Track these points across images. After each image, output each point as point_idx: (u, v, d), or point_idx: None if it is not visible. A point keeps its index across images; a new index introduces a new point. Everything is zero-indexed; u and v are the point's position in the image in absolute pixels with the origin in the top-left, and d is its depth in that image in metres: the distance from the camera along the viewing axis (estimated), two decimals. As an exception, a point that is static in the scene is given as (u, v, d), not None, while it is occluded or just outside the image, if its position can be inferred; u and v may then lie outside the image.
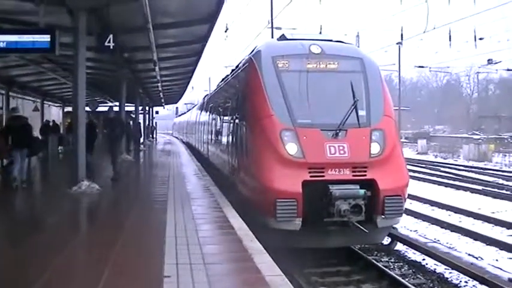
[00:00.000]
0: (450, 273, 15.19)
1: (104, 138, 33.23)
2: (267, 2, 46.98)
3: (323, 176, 14.27)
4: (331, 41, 17.84)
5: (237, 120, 18.08)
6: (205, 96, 42.90)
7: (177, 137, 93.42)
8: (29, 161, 23.09)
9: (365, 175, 14.46)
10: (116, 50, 19.79)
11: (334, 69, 16.15)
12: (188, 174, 25.31)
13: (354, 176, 14.41)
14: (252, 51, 18.28)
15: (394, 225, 16.81)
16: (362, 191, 13.97)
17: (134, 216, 14.62)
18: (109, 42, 19.12)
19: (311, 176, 14.20)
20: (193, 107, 61.20)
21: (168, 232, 11.95)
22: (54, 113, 67.93)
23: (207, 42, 27.93)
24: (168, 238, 11.34)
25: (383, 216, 14.27)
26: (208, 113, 32.04)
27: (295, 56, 16.23)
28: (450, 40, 50.05)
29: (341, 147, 14.46)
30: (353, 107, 15.11)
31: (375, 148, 14.73)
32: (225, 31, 50.48)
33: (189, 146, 52.55)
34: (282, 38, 18.24)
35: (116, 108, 41.64)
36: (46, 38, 17.77)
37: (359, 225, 13.94)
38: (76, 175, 18.80)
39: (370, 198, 14.14)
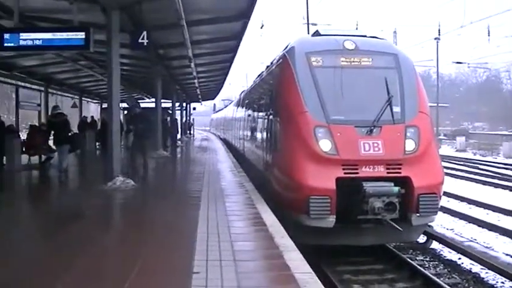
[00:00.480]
0: (486, 273, 14.98)
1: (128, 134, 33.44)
2: (303, -2, 46.82)
3: (357, 173, 14.08)
4: (365, 36, 17.65)
5: (271, 117, 17.98)
6: (242, 92, 42.94)
7: (214, 133, 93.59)
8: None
9: (399, 172, 14.22)
10: (150, 47, 19.83)
11: (368, 65, 15.94)
12: (223, 171, 25.29)
13: (388, 173, 14.19)
14: (286, 47, 18.12)
15: (430, 223, 16.61)
16: (396, 189, 13.75)
17: (167, 212, 14.56)
18: (143, 39, 19.18)
19: (345, 173, 14.02)
20: (230, 103, 61.33)
21: (200, 228, 11.91)
22: (93, 109, 68.54)
23: (241, 38, 27.89)
24: (200, 234, 11.31)
25: (417, 214, 14.01)
26: (243, 109, 32.04)
27: (328, 51, 16.07)
28: (489, 35, 49.62)
29: (375, 144, 14.27)
30: (387, 104, 14.97)
31: (410, 145, 14.49)
32: (261, 27, 50.52)
33: (226, 142, 52.55)
34: (316, 34, 18.05)
35: (146, 104, 41.91)
36: (80, 35, 17.86)
37: (393, 223, 13.76)
38: (111, 171, 18.94)
39: (405, 195, 13.90)
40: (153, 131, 36.23)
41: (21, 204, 17.31)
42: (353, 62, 15.87)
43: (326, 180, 13.87)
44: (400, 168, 14.26)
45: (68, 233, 12.09)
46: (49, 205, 16.83)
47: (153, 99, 43.53)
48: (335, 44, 16.30)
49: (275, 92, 17.84)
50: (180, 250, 10.27)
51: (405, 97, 15.35)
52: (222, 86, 64.59)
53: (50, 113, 27.55)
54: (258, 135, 21.66)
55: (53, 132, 21.92)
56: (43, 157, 26.17)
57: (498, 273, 14.39)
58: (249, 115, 27.18)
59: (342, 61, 15.77)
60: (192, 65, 31.67)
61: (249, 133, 26.53)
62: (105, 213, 15.64)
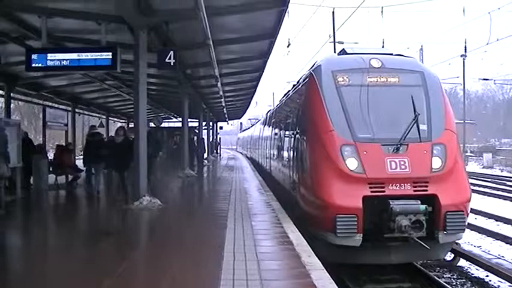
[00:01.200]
0: (514, 290, 14.82)
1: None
2: (329, 16, 46.85)
3: (383, 192, 14.04)
4: (391, 54, 17.70)
5: (297, 135, 18.03)
6: (268, 111, 43.04)
7: (241, 152, 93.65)
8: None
9: (426, 190, 14.14)
10: (177, 66, 19.88)
11: (394, 83, 15.97)
12: (250, 189, 25.30)
13: (414, 191, 14.11)
14: (313, 66, 18.14)
15: (457, 241, 16.50)
16: (423, 207, 13.65)
17: (194, 231, 14.56)
18: (169, 58, 19.25)
19: (371, 192, 13.99)
20: (257, 122, 61.41)
21: (227, 247, 11.89)
22: (120, 129, 68.74)
23: (268, 57, 27.92)
24: (227, 254, 11.29)
25: (445, 232, 13.93)
26: (270, 128, 32.05)
27: (355, 70, 16.09)
28: (515, 51, 49.30)
29: (402, 162, 14.23)
30: (414, 121, 14.91)
31: (436, 163, 14.43)
32: (287, 46, 50.55)
33: (253, 161, 52.58)
34: (342, 52, 18.14)
35: (173, 124, 41.77)
36: (108, 55, 18.03)
37: (420, 241, 13.63)
38: (138, 190, 18.97)
39: (432, 213, 13.83)
40: (191, 150, 36.48)
41: (48, 224, 17.41)
42: (379, 80, 15.89)
43: (353, 198, 13.83)
44: (426, 186, 14.18)
45: (96, 252, 12.14)
46: (77, 225, 16.89)
47: (180, 119, 43.68)
48: (361, 63, 16.30)
49: (301, 110, 17.87)
50: (207, 269, 10.28)
51: (432, 115, 15.31)
52: (248, 105, 64.69)
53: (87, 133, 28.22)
54: (285, 154, 21.68)
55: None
56: (69, 177, 26.30)
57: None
58: (276, 134, 27.22)
59: (369, 79, 15.80)
60: (219, 84, 31.76)
61: (275, 152, 26.47)
62: (132, 233, 15.67)
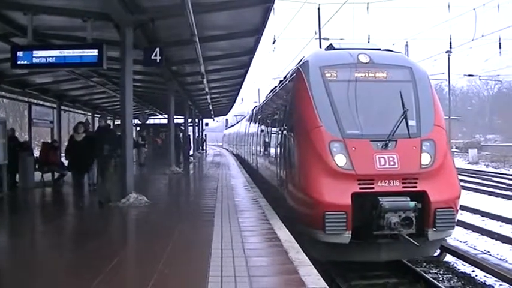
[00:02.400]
0: (500, 285, 14.90)
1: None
2: (314, 13, 46.92)
3: (372, 188, 13.92)
4: (379, 49, 17.56)
5: (285, 132, 17.91)
6: (254, 107, 42.91)
7: (227, 149, 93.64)
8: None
9: (415, 187, 14.04)
10: (163, 63, 19.86)
11: (383, 78, 15.87)
12: (237, 186, 25.28)
13: (404, 187, 14.01)
14: (300, 61, 18.08)
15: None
16: (412, 203, 13.50)
17: (181, 228, 14.54)
18: (156, 55, 19.26)
19: (360, 188, 13.88)
20: (243, 118, 61.35)
21: (214, 244, 11.91)
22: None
23: (254, 54, 27.92)
24: (214, 250, 11.31)
25: (434, 229, 13.84)
26: (256, 124, 31.75)
27: (343, 65, 15.97)
28: (500, 48, 49.49)
29: (391, 158, 14.13)
30: (403, 117, 14.78)
31: (426, 159, 14.35)
32: (273, 43, 50.57)
33: (239, 158, 52.51)
34: (330, 47, 17.95)
35: (159, 120, 41.41)
36: (94, 52, 17.98)
37: (410, 239, 13.56)
38: (124, 188, 18.94)
39: (421, 210, 13.69)
40: (177, 147, 36.26)
41: (36, 222, 17.35)
42: (367, 75, 15.80)
43: (341, 195, 13.70)
44: (416, 183, 14.08)
45: (84, 250, 12.11)
46: (64, 222, 16.82)
47: (166, 115, 43.62)
48: (349, 58, 16.19)
49: (289, 106, 17.78)
50: (195, 266, 10.29)
51: (421, 110, 15.25)
52: (234, 102, 64.73)
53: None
54: (272, 150, 21.55)
55: None
56: (56, 174, 26.22)
57: (512, 285, 14.29)
58: (262, 130, 27.03)
59: (357, 75, 15.69)
60: (205, 81, 31.68)
61: (262, 148, 26.26)
62: (119, 230, 15.69)
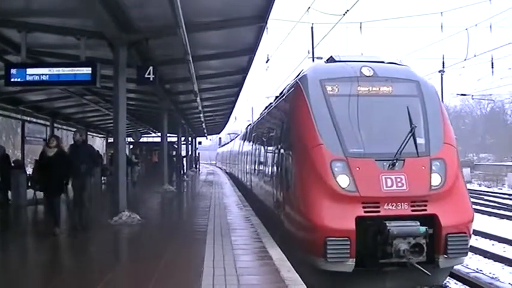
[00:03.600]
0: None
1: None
2: (308, 32, 47.12)
3: (378, 212, 12.76)
4: (383, 62, 16.48)
5: (282, 150, 16.69)
6: (249, 125, 42.69)
7: (220, 167, 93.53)
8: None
9: (425, 210, 12.89)
10: (156, 82, 19.89)
11: (388, 93, 14.74)
12: (229, 205, 25.33)
13: (413, 211, 12.84)
14: (298, 75, 17.15)
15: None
16: (423, 229, 12.34)
17: (173, 246, 14.51)
18: (149, 74, 19.30)
19: (365, 212, 12.73)
20: (236, 136, 61.28)
21: (206, 262, 11.90)
22: (98, 144, 68.76)
23: (247, 73, 28.02)
24: (206, 268, 11.31)
25: (445, 256, 12.77)
26: (251, 142, 30.67)
27: (345, 79, 14.78)
28: (492, 67, 49.61)
29: (398, 179, 12.96)
30: (410, 135, 13.68)
31: (436, 180, 13.19)
32: (266, 62, 50.66)
33: (232, 177, 52.42)
34: (330, 60, 16.80)
35: (152, 139, 41.25)
36: (87, 70, 17.97)
37: (420, 267, 12.41)
38: (117, 205, 18.95)
39: (431, 235, 12.59)
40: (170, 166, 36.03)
41: (27, 239, 17.28)
42: (371, 89, 14.72)
43: (344, 219, 12.58)
44: (425, 206, 12.96)
45: (75, 268, 12.08)
46: (56, 240, 16.76)
47: (159, 134, 43.67)
48: (351, 71, 15.05)
49: (287, 123, 16.61)
50: (186, 284, 10.31)
51: (429, 127, 14.18)
52: (227, 121, 64.85)
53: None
54: (268, 170, 20.17)
55: None
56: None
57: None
58: (257, 149, 25.91)
59: (360, 89, 14.60)
60: (198, 99, 31.69)
61: (257, 167, 25.38)
62: (111, 249, 15.65)
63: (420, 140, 13.87)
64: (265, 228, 17.17)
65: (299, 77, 16.49)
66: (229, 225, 18.00)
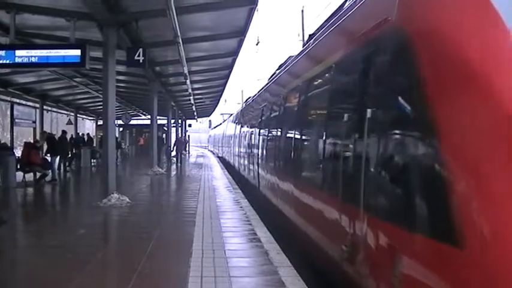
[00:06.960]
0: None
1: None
2: (298, 14, 47.08)
3: None
4: None
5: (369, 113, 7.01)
6: (248, 98, 34.08)
7: (212, 151, 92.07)
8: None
9: None
10: (146, 64, 19.81)
11: None
12: (219, 187, 25.31)
13: None
14: None
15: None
16: None
17: (162, 229, 14.46)
18: (138, 56, 19.18)
19: None
20: (231, 115, 59.36)
21: (195, 245, 11.87)
22: (88, 126, 68.63)
23: (237, 55, 27.99)
24: (195, 251, 11.26)
25: None
26: (264, 119, 20.54)
27: None
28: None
29: None
30: None
31: None
32: (256, 44, 50.67)
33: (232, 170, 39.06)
34: None
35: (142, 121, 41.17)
36: (77, 52, 17.92)
37: None
38: (106, 188, 18.95)
39: None
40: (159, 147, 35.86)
41: (16, 222, 17.24)
42: None
43: None
44: None
45: (65, 250, 12.06)
46: (45, 222, 16.72)
47: (149, 116, 43.64)
48: None
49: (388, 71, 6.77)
50: (175, 267, 10.20)
51: None
52: (217, 103, 64.63)
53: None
54: (317, 159, 10.80)
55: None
56: (37, 174, 26.12)
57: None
58: (279, 128, 16.25)
59: None
60: (188, 82, 31.67)
61: (279, 156, 15.90)
62: (100, 231, 15.61)
63: None
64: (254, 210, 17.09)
65: None
66: (218, 208, 18.06)
